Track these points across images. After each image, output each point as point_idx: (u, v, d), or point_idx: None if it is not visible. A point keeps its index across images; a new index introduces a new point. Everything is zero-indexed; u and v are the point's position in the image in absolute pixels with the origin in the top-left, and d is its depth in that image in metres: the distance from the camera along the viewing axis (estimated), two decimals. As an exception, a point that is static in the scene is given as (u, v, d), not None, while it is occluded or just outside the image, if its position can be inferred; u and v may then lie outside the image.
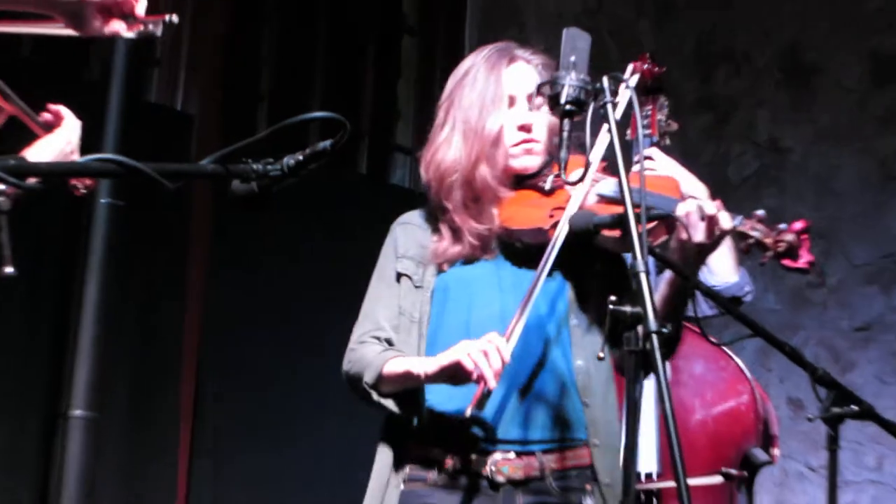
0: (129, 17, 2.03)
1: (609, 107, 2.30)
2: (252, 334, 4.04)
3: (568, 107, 2.30)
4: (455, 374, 2.38)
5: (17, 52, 3.47)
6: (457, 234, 2.57)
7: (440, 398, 2.50)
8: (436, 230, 2.64)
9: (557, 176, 2.56)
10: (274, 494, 4.00)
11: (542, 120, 2.60)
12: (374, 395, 2.52)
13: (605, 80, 2.30)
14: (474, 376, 2.33)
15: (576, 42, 2.33)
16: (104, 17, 2.01)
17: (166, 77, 4.11)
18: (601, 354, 2.46)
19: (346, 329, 2.69)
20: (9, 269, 1.60)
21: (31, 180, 1.76)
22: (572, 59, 2.31)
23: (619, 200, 2.48)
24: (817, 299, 4.85)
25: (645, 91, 3.16)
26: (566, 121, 2.35)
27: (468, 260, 2.59)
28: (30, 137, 2.36)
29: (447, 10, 4.89)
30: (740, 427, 3.65)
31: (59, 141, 2.38)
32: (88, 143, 2.43)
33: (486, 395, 2.37)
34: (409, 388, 2.52)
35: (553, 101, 2.32)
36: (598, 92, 2.32)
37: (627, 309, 2.15)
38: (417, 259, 2.63)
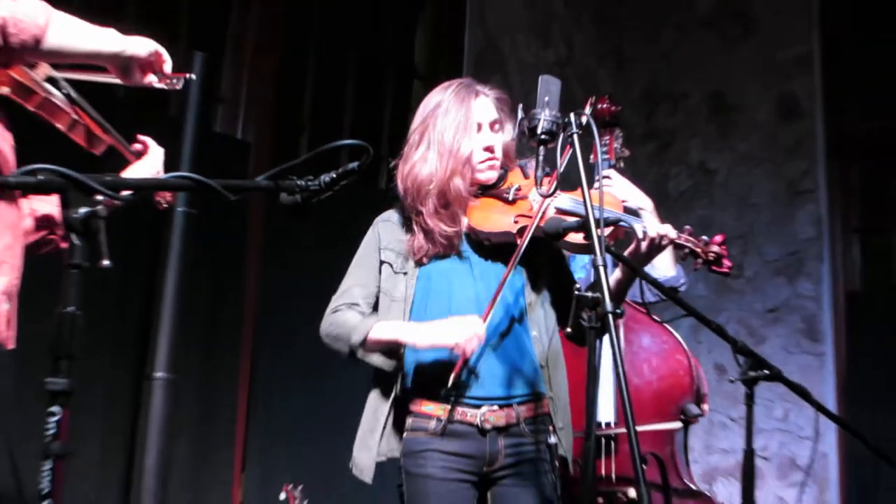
0: (159, 73, 2.14)
1: (575, 136, 2.32)
2: (295, 315, 4.03)
3: (543, 136, 2.32)
4: (441, 347, 2.45)
5: (113, 95, 3.47)
6: (429, 235, 2.56)
7: (428, 358, 2.53)
8: (409, 229, 2.63)
9: (518, 188, 2.60)
10: (313, 441, 4.00)
11: (500, 142, 2.62)
12: (360, 353, 2.55)
13: (572, 116, 2.32)
14: (458, 353, 2.41)
15: (549, 86, 2.34)
16: (143, 72, 2.11)
17: (229, 112, 4.11)
18: (568, 329, 2.49)
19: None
20: (106, 262, 1.60)
21: (124, 193, 1.78)
22: (546, 99, 2.33)
23: (572, 212, 2.52)
24: (737, 287, 4.85)
25: (604, 125, 3.17)
26: (541, 147, 2.37)
27: (442, 255, 2.59)
28: (124, 163, 2.38)
29: (448, 60, 4.88)
30: (678, 387, 3.65)
31: (147, 165, 2.40)
32: (168, 165, 2.44)
33: (464, 366, 2.45)
34: (392, 348, 2.55)
35: (531, 132, 2.33)
36: (566, 125, 2.34)
37: (589, 294, 2.17)
38: (397, 251, 2.63)
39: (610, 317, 2.10)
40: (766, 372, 2.64)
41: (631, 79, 5.45)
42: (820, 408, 2.73)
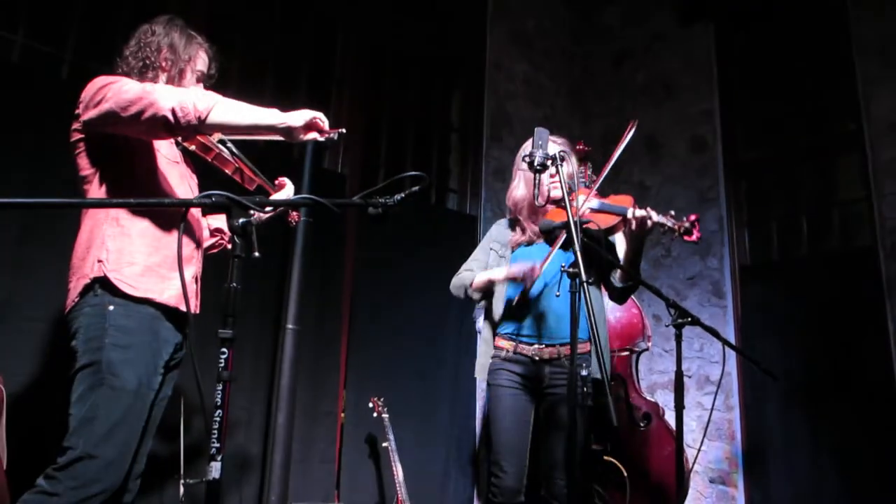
0: (319, 131, 2.02)
1: (559, 165, 2.33)
2: (377, 287, 4.04)
3: (538, 167, 2.31)
4: (514, 279, 2.55)
5: (255, 146, 3.47)
6: (523, 232, 2.67)
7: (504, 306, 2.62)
8: (512, 229, 2.73)
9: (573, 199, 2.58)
10: (391, 371, 3.96)
11: (565, 171, 2.57)
12: (469, 291, 2.66)
13: (556, 154, 2.33)
14: (525, 282, 2.51)
15: (541, 134, 2.33)
16: (305, 132, 1.99)
17: (333, 155, 4.10)
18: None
19: (428, 284, 2.72)
20: (256, 254, 1.60)
21: (267, 208, 1.77)
22: (539, 142, 2.32)
23: (602, 210, 2.50)
24: (666, 264, 4.77)
25: (581, 159, 3.14)
26: (537, 175, 2.35)
27: (528, 243, 2.67)
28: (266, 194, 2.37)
29: (474, 120, 4.85)
30: (633, 329, 3.61)
31: (284, 194, 2.40)
32: (295, 192, 2.43)
33: (529, 288, 2.52)
34: (487, 288, 2.64)
35: (530, 165, 2.33)
36: (553, 159, 2.32)
37: (571, 270, 2.15)
38: (501, 242, 2.72)
39: (585, 284, 2.08)
40: (689, 319, 2.60)
41: (593, 128, 5.38)
42: (725, 342, 2.67)
